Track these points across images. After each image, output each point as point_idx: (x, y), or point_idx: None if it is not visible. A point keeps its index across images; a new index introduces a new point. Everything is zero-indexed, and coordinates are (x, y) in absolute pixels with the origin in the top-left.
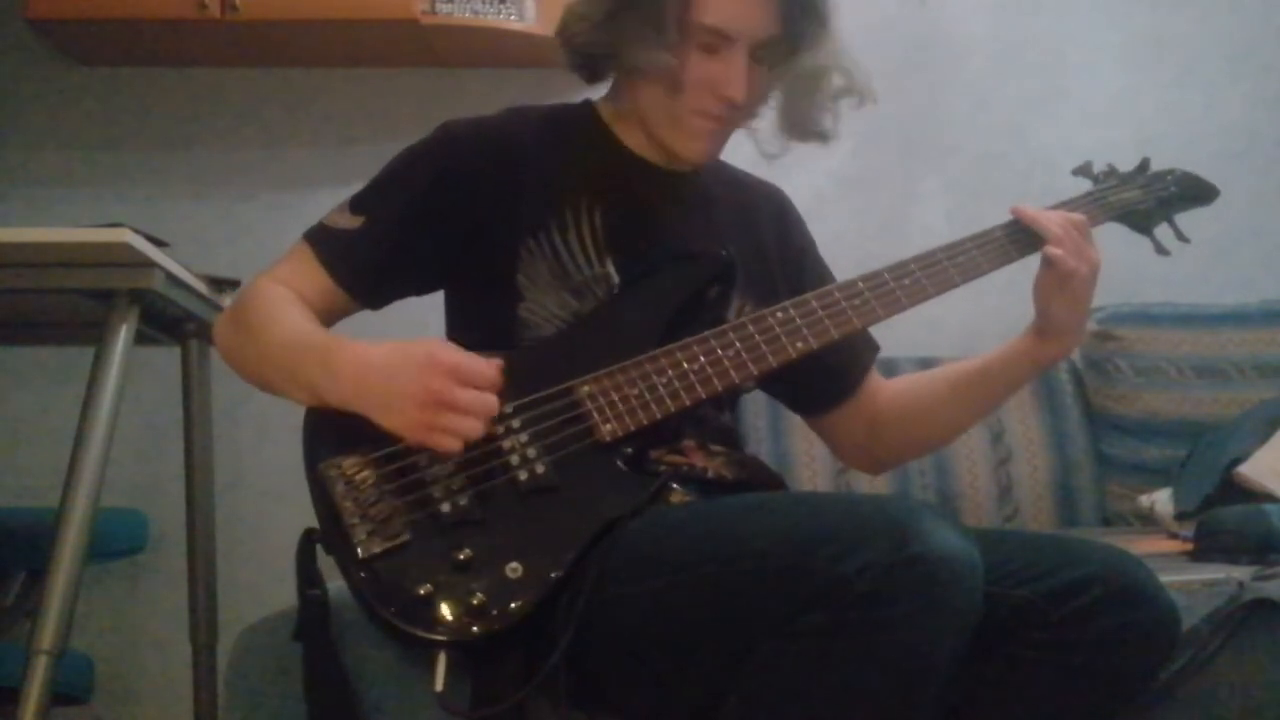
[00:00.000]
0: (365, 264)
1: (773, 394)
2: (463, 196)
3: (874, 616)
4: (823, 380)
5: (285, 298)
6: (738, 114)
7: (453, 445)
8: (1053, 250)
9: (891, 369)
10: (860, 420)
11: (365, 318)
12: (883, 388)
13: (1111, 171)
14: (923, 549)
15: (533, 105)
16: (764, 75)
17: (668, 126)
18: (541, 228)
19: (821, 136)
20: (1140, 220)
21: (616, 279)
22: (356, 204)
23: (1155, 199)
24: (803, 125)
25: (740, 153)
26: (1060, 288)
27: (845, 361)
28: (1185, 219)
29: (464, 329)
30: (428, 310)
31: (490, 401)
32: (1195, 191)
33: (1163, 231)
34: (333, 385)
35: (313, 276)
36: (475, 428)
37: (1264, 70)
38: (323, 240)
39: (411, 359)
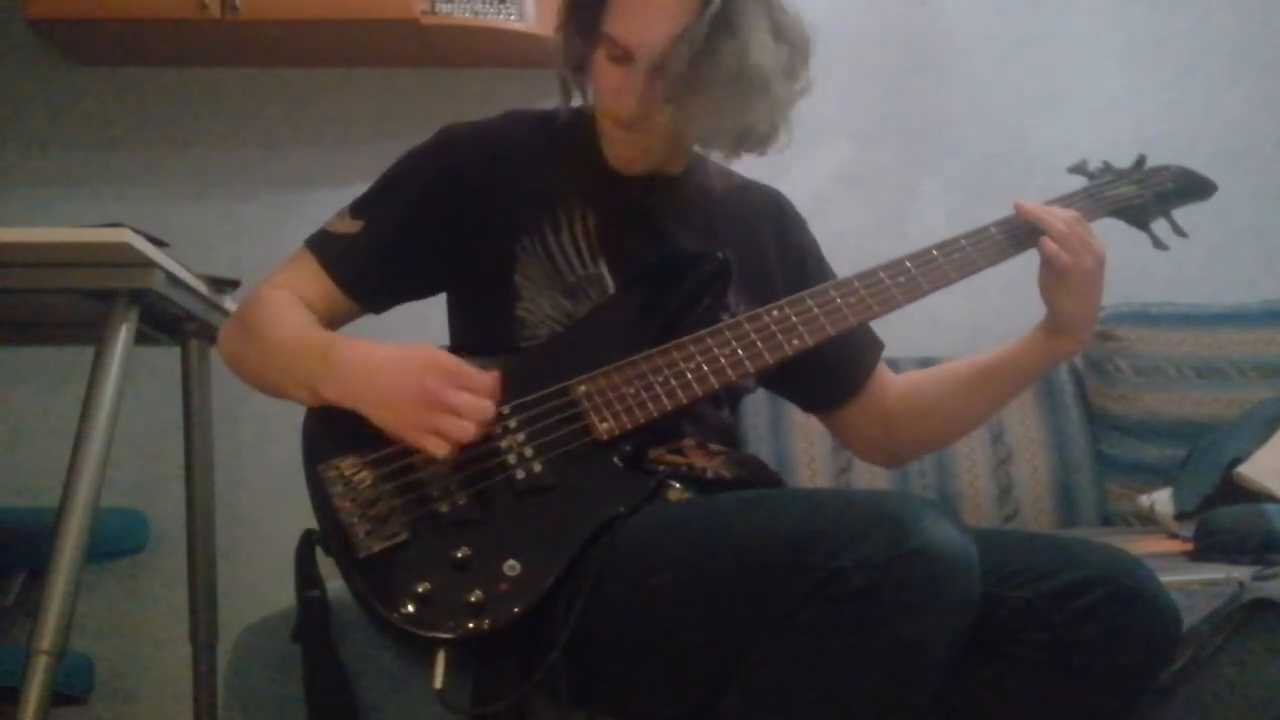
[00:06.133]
0: (366, 266)
1: (778, 393)
2: (460, 199)
3: (871, 611)
4: (825, 379)
5: (287, 300)
6: (649, 126)
7: (441, 448)
8: (1048, 245)
9: (892, 368)
10: (872, 417)
11: (368, 318)
12: (893, 384)
13: (1107, 168)
14: (919, 543)
15: (530, 109)
16: (673, 93)
17: (599, 129)
18: (534, 229)
19: (738, 147)
20: (1137, 215)
21: (610, 280)
22: (356, 209)
23: (1151, 194)
24: (714, 142)
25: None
26: (1064, 283)
27: (847, 359)
28: (1185, 218)
29: (464, 330)
30: (429, 310)
31: (486, 407)
32: (1193, 186)
33: (1160, 227)
34: (331, 378)
35: (315, 281)
36: (468, 430)
37: (1264, 70)
38: (324, 245)
39: (412, 359)
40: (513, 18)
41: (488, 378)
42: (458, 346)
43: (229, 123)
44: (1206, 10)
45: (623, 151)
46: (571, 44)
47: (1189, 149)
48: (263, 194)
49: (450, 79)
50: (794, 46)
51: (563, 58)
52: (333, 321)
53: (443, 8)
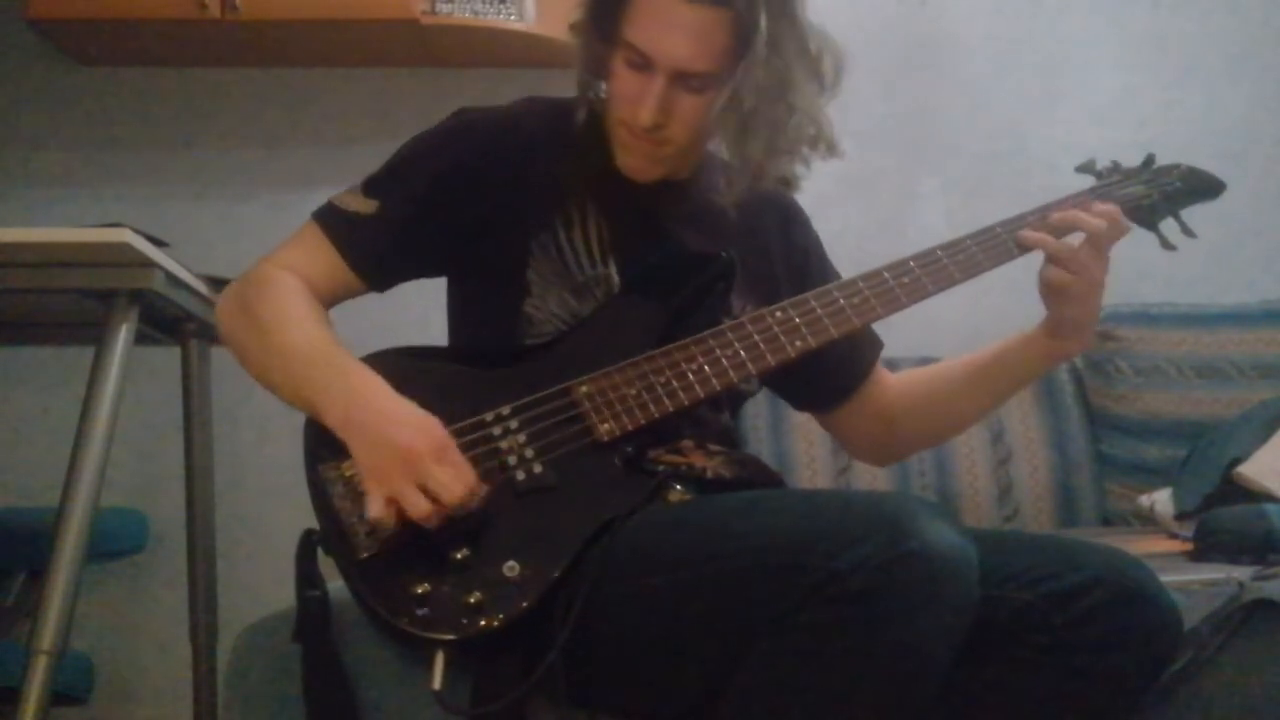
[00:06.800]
0: (379, 249)
1: (776, 391)
2: (473, 188)
3: (869, 613)
4: (825, 378)
5: (295, 291)
6: (664, 136)
7: (384, 512)
8: (1046, 269)
9: (892, 368)
10: (870, 415)
11: (365, 307)
12: (891, 382)
13: (1115, 167)
14: (918, 545)
15: (548, 98)
16: (697, 106)
17: (610, 135)
18: (546, 226)
19: (783, 183)
20: (1145, 215)
21: (617, 281)
22: (370, 187)
23: (1160, 194)
24: (751, 169)
25: None
26: (1064, 294)
27: (847, 359)
28: (1188, 218)
29: (466, 323)
30: (429, 309)
31: (456, 495)
32: (1201, 186)
33: (1168, 227)
34: (340, 404)
35: (324, 259)
36: (425, 510)
37: (1264, 70)
38: (335, 223)
39: (414, 419)
40: (513, 18)
41: (472, 475)
42: (458, 342)
43: (229, 123)
44: (1206, 10)
45: (633, 160)
46: (589, 46)
47: (1189, 149)
48: (263, 194)
49: (450, 79)
50: (826, 63)
51: (580, 60)
52: (336, 298)
53: (443, 8)
